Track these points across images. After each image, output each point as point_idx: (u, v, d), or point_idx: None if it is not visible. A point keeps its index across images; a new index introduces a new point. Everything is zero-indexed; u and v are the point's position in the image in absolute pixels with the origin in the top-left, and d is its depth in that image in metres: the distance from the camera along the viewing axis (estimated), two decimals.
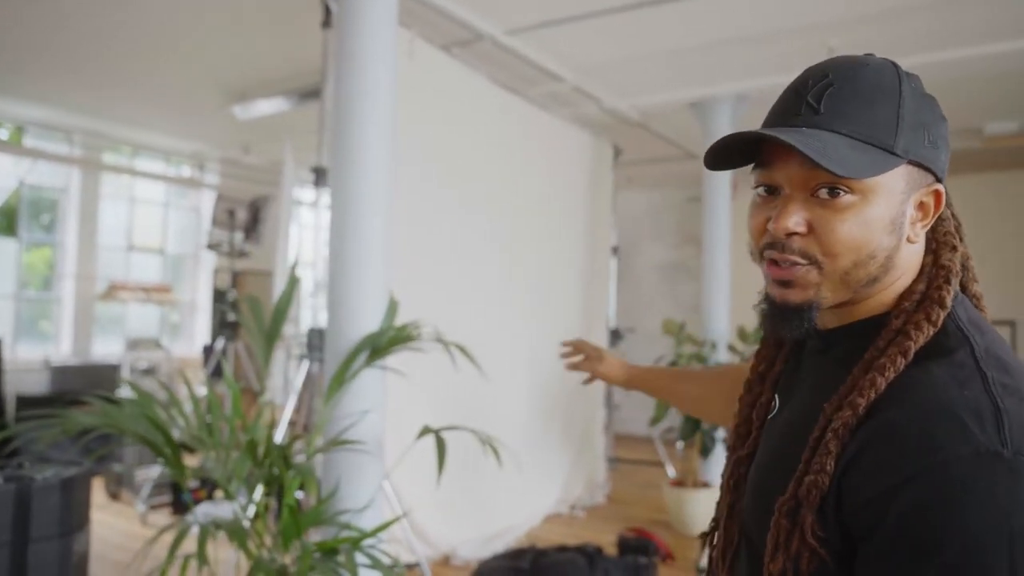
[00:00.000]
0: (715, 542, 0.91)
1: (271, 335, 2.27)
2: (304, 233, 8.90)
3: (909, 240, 0.76)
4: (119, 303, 7.15)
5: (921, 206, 0.76)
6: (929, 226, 0.78)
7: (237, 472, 2.01)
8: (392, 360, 2.56)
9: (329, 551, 1.86)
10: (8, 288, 6.57)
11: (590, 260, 5.65)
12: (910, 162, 0.73)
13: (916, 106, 0.74)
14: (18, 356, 6.40)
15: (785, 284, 0.76)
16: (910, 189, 0.74)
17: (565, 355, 1.50)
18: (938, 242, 0.79)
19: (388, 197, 2.50)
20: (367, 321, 2.41)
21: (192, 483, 5.11)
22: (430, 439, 2.29)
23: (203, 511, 4.93)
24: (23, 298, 6.71)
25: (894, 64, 0.77)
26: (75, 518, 1.62)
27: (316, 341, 3.66)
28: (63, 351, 6.82)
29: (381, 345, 2.33)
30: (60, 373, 6.55)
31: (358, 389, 2.34)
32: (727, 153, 0.78)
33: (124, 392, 5.49)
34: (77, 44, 5.07)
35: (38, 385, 6.43)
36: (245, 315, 2.26)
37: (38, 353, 6.67)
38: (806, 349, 0.86)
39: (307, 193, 9.11)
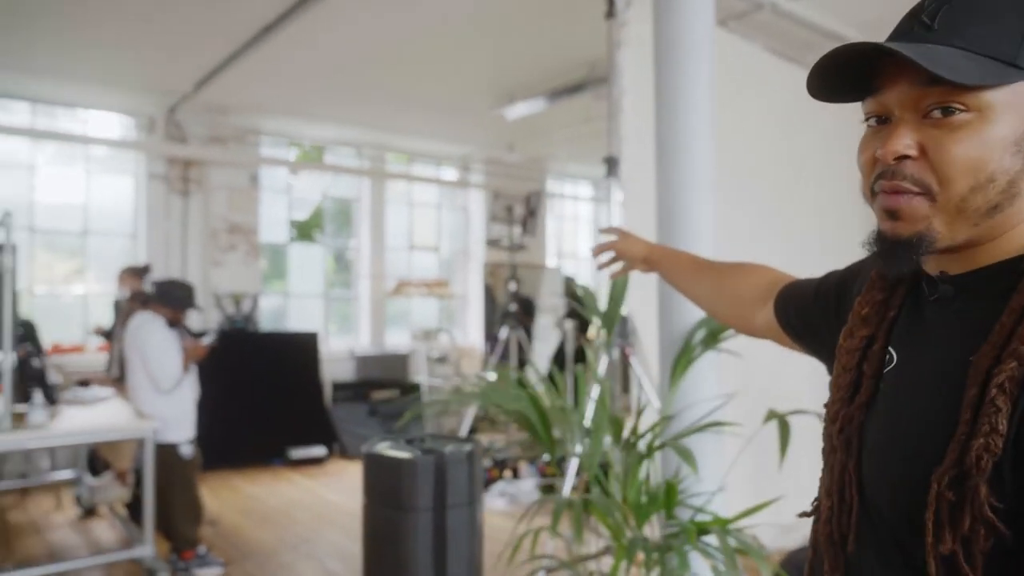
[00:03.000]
0: (822, 516, 0.78)
1: (610, 319, 2.35)
2: (567, 224, 9.19)
3: None
4: (405, 298, 7.90)
5: None
6: None
7: (593, 449, 2.10)
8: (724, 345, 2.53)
9: (699, 532, 1.89)
10: (319, 288, 7.55)
11: None
12: None
13: None
14: (331, 348, 7.30)
15: (893, 216, 0.70)
16: None
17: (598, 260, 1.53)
18: None
19: (713, 183, 2.47)
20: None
21: (486, 462, 5.51)
22: (770, 424, 2.23)
23: (501, 489, 5.31)
24: (330, 297, 7.67)
25: None
26: (476, 488, 1.82)
27: (622, 328, 3.75)
28: (363, 342, 7.68)
29: (717, 328, 2.31)
30: (363, 362, 7.39)
31: (695, 373, 2.35)
32: (833, 82, 0.73)
33: (421, 379, 6.06)
34: (365, 70, 5.65)
35: (346, 372, 7.30)
36: (587, 303, 2.36)
37: (343, 344, 7.57)
38: (925, 298, 0.77)
39: (574, 187, 9.39)
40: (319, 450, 6.37)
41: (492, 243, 5.59)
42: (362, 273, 7.70)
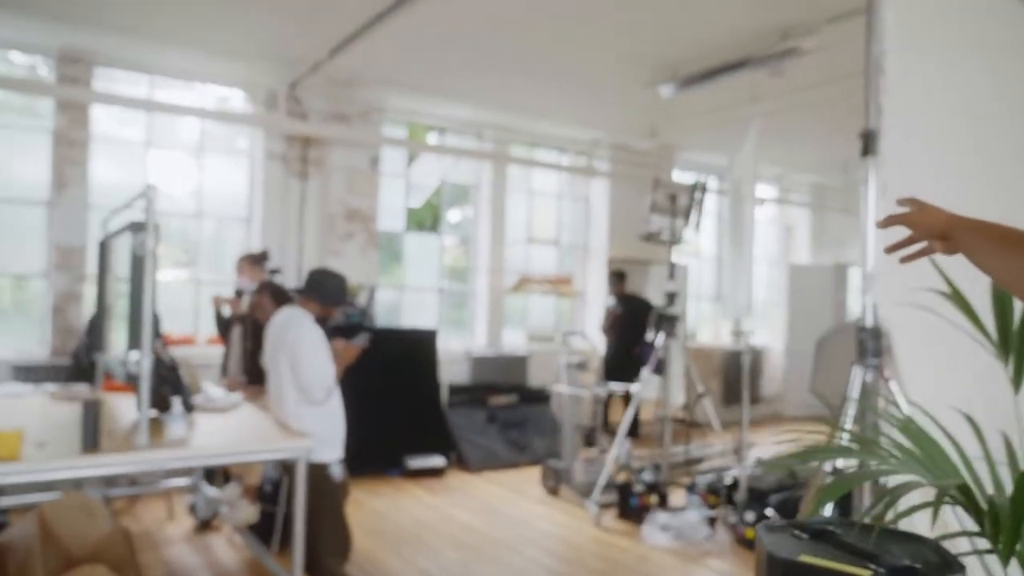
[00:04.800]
0: None
1: (1019, 343, 1.64)
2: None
3: None
4: (522, 295, 7.26)
5: None
6: None
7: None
8: None
9: None
10: (433, 281, 6.96)
11: None
12: None
13: None
14: (448, 347, 6.70)
15: None
16: None
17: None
18: None
19: None
20: None
21: (637, 487, 4.84)
22: None
23: (662, 521, 4.61)
24: (445, 291, 7.07)
25: None
26: None
27: (870, 344, 3.02)
28: (478, 342, 7.06)
29: None
30: (479, 364, 6.78)
31: None
32: None
33: (561, 388, 5.41)
34: (505, 41, 5.03)
35: (462, 374, 6.71)
36: (967, 316, 1.66)
37: (458, 344, 6.97)
38: None
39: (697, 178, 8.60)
40: (438, 460, 5.80)
41: (651, 236, 4.89)
42: (480, 267, 7.08)
